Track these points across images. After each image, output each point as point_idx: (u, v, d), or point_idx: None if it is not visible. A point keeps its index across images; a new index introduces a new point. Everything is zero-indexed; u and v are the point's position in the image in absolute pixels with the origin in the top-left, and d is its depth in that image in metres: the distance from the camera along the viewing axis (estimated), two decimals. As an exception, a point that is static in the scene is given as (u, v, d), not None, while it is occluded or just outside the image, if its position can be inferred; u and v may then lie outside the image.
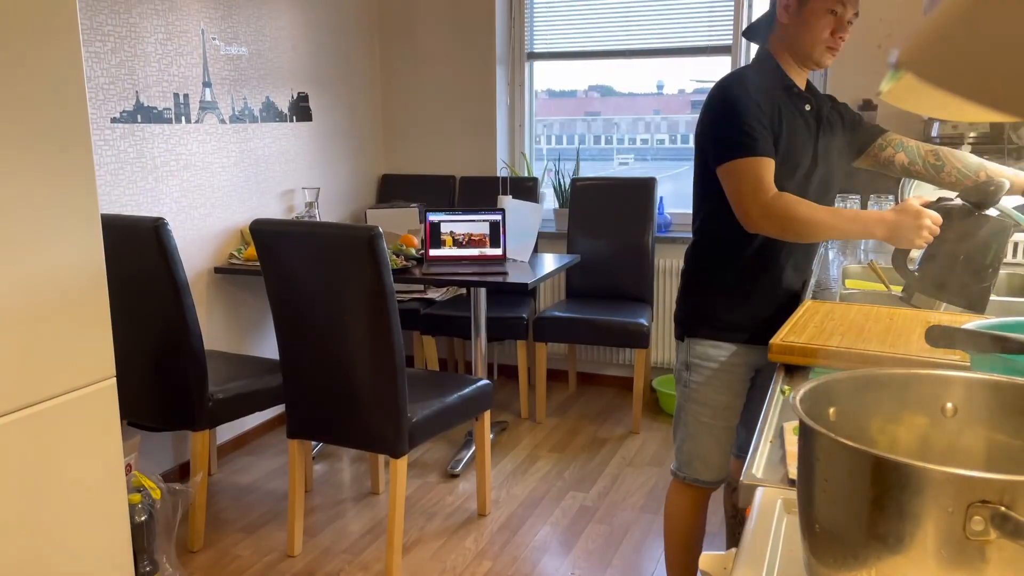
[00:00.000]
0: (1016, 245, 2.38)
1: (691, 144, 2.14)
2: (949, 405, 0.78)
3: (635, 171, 4.39)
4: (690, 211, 2.01)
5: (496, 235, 3.42)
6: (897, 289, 2.10)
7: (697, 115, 1.93)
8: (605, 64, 4.37)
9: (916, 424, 0.79)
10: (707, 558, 0.91)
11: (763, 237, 1.86)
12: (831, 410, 0.77)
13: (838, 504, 0.66)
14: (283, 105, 3.80)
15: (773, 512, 0.90)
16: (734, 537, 2.21)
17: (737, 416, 2.03)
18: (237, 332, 3.62)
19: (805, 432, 0.69)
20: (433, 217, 3.43)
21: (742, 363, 1.97)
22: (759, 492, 0.96)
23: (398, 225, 3.96)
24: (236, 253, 3.51)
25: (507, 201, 3.57)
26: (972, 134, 2.98)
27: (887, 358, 1.37)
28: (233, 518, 3.02)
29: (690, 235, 2.03)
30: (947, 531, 0.59)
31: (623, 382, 4.28)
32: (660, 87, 4.35)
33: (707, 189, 1.90)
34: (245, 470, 3.42)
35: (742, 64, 3.99)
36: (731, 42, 3.98)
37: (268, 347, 3.76)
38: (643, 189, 3.94)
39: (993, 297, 2.03)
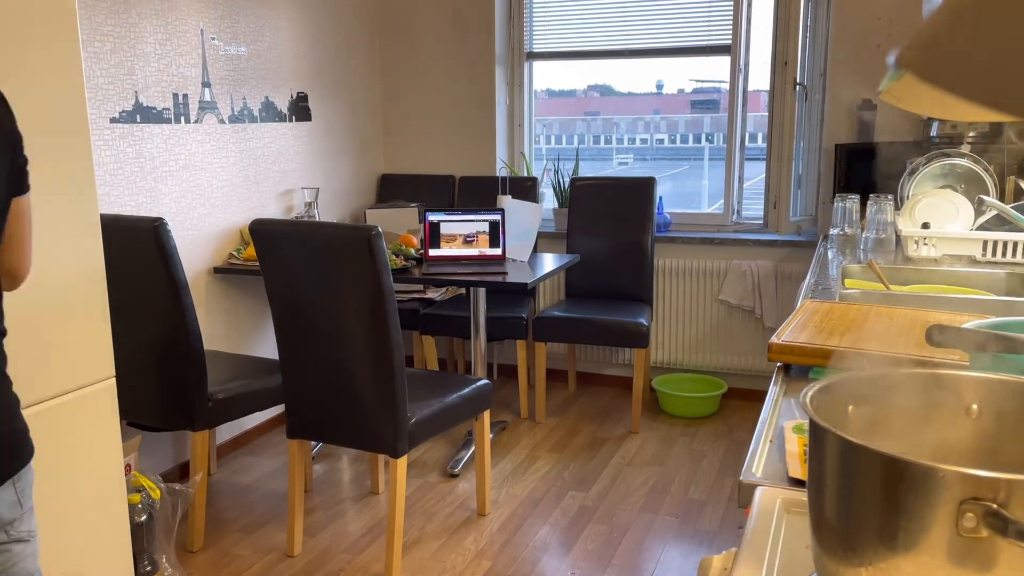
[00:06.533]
0: (1016, 245, 2.38)
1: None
2: (974, 407, 0.78)
3: (634, 171, 4.39)
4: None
5: (496, 235, 3.42)
6: (896, 289, 2.10)
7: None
8: (604, 64, 4.37)
9: (940, 424, 0.79)
10: (707, 559, 0.91)
11: None
12: (850, 408, 0.77)
13: (840, 498, 0.67)
14: (282, 105, 3.80)
15: (773, 512, 0.90)
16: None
17: None
18: (236, 332, 3.62)
19: (812, 427, 0.70)
20: (433, 217, 3.43)
21: None
22: (759, 492, 0.96)
23: (398, 225, 3.96)
24: (235, 253, 3.51)
25: (506, 201, 3.57)
26: (971, 134, 2.98)
27: (887, 358, 1.37)
28: (233, 518, 3.02)
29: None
30: (940, 527, 0.59)
31: (623, 382, 4.28)
32: (659, 87, 4.34)
33: None
34: (245, 470, 3.42)
35: (741, 64, 3.99)
36: (730, 41, 3.98)
37: (267, 347, 3.76)
38: (642, 189, 3.93)
39: (993, 296, 2.03)
